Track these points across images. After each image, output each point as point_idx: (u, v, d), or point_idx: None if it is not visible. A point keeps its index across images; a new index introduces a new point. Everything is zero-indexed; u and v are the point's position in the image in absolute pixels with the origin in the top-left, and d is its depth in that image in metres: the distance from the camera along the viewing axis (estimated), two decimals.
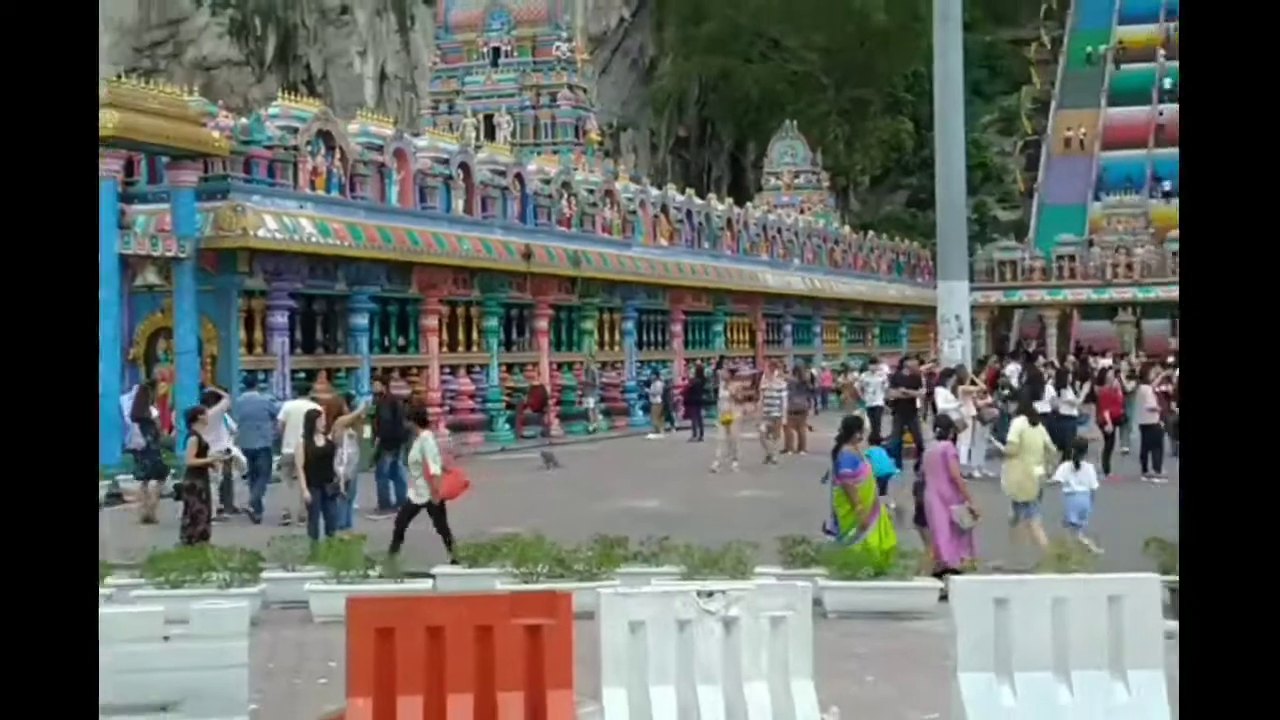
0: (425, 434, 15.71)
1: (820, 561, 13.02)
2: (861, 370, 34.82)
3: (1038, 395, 24.10)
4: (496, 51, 46.81)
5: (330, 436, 16.81)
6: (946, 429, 15.41)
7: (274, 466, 20.11)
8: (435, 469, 15.11)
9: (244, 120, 27.95)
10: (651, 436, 35.31)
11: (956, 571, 12.60)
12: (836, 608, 12.35)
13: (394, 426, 19.97)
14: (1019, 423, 16.19)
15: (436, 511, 15.09)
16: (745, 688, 7.72)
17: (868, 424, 19.45)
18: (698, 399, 33.55)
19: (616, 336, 38.72)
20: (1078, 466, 15.68)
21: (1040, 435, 15.93)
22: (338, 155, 28.28)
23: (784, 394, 28.40)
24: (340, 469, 16.76)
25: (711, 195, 50.76)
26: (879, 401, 28.64)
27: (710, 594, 7.88)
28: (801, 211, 56.11)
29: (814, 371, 41.42)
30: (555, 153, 42.91)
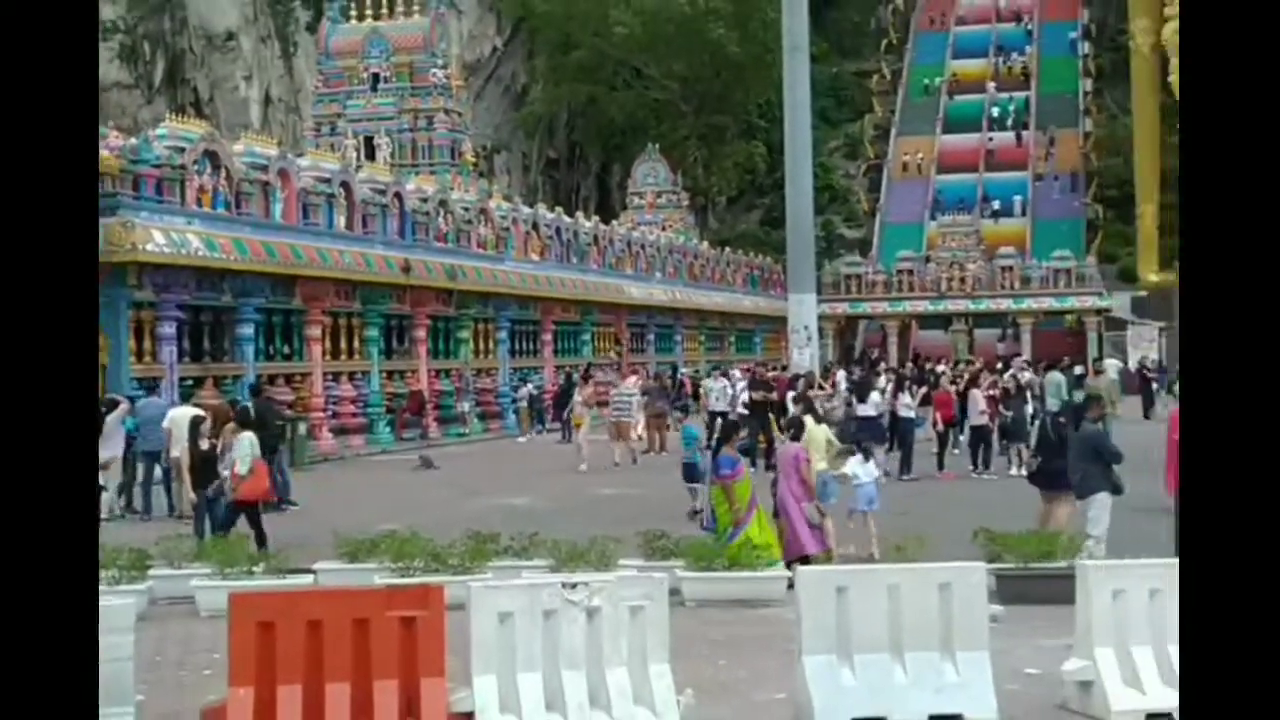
0: (245, 434, 15.50)
1: (679, 554, 13.07)
2: (706, 376, 35.10)
3: (864, 399, 24.53)
4: (376, 77, 46.33)
5: (216, 441, 16.50)
6: (799, 431, 15.56)
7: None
8: (241, 469, 14.98)
9: (133, 140, 27.39)
10: (520, 440, 35.22)
11: (808, 560, 12.78)
12: (694, 596, 12.40)
13: (272, 429, 19.72)
14: (805, 421, 16.35)
15: (236, 509, 15.00)
16: (607, 673, 7.75)
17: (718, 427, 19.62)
18: (565, 404, 33.52)
19: (491, 345, 38.59)
20: (867, 459, 15.95)
21: (823, 431, 16.14)
22: (224, 174, 27.85)
23: (634, 398, 28.48)
24: (225, 472, 16.47)
25: (580, 213, 50.81)
26: (722, 406, 28.91)
27: (574, 586, 7.90)
28: (663, 229, 56.29)
29: (680, 377, 41.56)
30: (432, 173, 42.57)
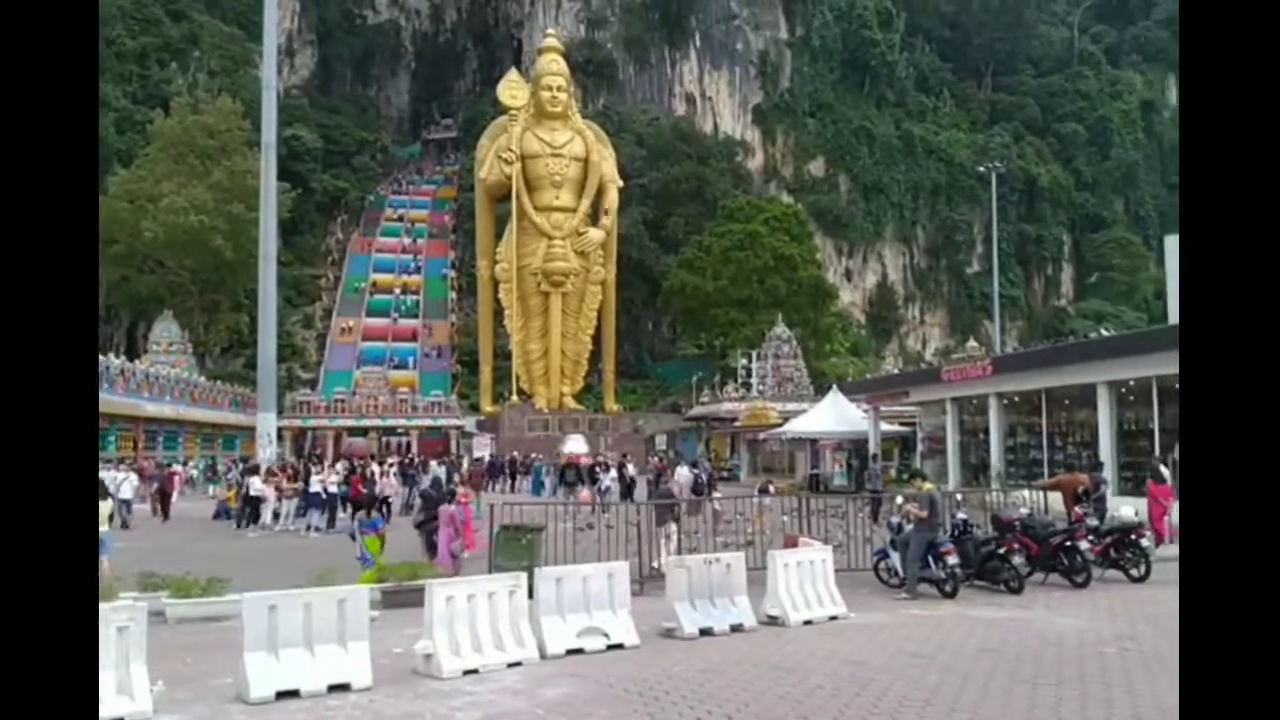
0: None
1: (166, 587, 11.72)
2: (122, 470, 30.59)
3: (308, 481, 23.39)
4: None
5: None
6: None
7: None
8: None
9: None
10: None
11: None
12: (176, 616, 11.15)
13: None
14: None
15: None
16: (102, 675, 6.77)
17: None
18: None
19: None
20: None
21: (108, 506, 14.63)
22: None
23: (125, 481, 24.83)
24: None
25: (112, 354, 44.92)
26: (127, 495, 24.20)
27: None
28: (173, 367, 50.99)
29: (174, 468, 37.02)
30: None
